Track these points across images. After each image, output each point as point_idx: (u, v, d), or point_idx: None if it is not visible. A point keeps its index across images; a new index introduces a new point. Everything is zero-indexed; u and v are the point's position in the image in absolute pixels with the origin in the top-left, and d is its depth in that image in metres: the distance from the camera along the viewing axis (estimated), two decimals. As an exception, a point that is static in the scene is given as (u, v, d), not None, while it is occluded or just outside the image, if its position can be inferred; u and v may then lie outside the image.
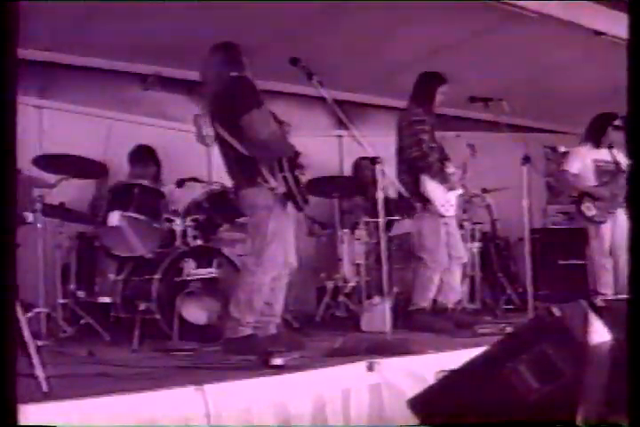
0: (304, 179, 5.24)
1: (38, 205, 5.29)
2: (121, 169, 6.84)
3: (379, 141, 5.34)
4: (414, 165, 6.07)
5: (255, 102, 4.83)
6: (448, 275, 6.20)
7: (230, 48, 5.11)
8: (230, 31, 6.21)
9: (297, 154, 5.07)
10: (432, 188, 6.08)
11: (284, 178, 4.86)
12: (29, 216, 3.47)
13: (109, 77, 7.33)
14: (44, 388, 3.38)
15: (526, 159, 6.13)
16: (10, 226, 2.70)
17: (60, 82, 7.16)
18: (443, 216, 6.14)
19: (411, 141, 6.06)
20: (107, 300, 5.98)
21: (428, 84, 6.23)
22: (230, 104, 4.86)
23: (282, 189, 4.85)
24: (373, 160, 4.97)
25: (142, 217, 5.94)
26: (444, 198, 6.13)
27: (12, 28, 2.70)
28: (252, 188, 4.87)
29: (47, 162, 5.81)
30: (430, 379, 3.69)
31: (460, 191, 6.36)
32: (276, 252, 4.88)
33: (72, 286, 6.06)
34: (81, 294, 6.07)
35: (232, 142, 4.86)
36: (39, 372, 3.43)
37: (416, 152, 6.04)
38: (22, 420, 3.00)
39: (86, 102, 7.28)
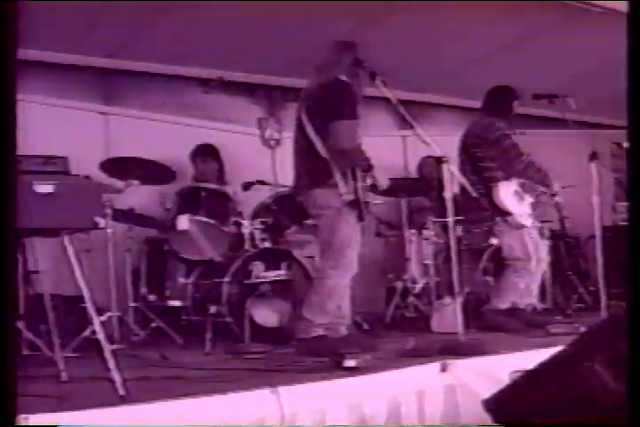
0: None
1: (108, 211, 5.37)
2: (187, 173, 6.90)
3: (443, 141, 5.32)
4: (493, 176, 6.06)
5: (350, 113, 4.86)
6: (529, 278, 6.13)
7: (349, 49, 5.12)
8: (288, 33, 6.27)
9: (370, 167, 5.07)
10: (508, 199, 6.04)
11: (355, 187, 4.88)
12: (101, 221, 3.51)
13: (172, 82, 7.40)
14: (121, 391, 3.43)
15: (594, 156, 6.06)
16: (10, 227, 2.80)
17: (123, 88, 7.25)
18: (523, 226, 6.09)
19: (505, 155, 6.04)
20: (177, 303, 6.04)
21: (505, 98, 6.20)
22: (327, 105, 4.88)
23: (350, 197, 4.86)
24: (440, 159, 4.95)
25: (211, 220, 5.98)
26: (520, 209, 6.09)
27: (11, 27, 2.79)
28: (322, 189, 4.89)
29: (114, 167, 5.89)
30: (505, 379, 3.67)
31: (531, 199, 6.29)
32: (352, 256, 4.91)
33: (143, 290, 6.14)
34: (151, 297, 6.15)
35: (314, 140, 4.89)
36: (115, 375, 3.48)
37: (519, 165, 6.03)
38: (99, 423, 3.05)
39: (150, 107, 7.35)
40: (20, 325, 4.60)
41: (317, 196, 4.95)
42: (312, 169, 4.95)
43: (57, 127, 6.49)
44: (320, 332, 4.88)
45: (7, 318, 2.67)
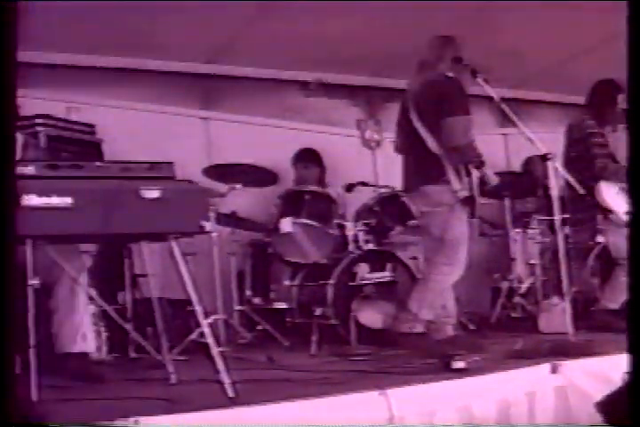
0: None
1: (212, 214, 5.43)
2: (288, 176, 6.94)
3: (545, 138, 5.23)
4: (597, 174, 5.95)
5: (463, 109, 4.87)
6: None
7: (450, 45, 5.11)
8: (384, 34, 6.24)
9: (482, 163, 5.03)
10: (610, 197, 5.92)
11: (469, 183, 4.86)
12: (207, 225, 3.54)
13: (271, 86, 7.45)
14: (230, 393, 3.46)
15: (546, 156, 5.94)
16: (8, 230, 2.74)
17: (223, 92, 7.33)
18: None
19: (587, 154, 5.94)
20: (282, 305, 6.08)
21: (609, 92, 6.07)
22: (438, 102, 4.88)
23: (464, 194, 4.84)
24: (544, 157, 4.88)
25: (314, 223, 6.00)
26: (622, 207, 5.96)
27: (11, 28, 2.71)
28: (435, 185, 4.87)
29: (217, 172, 5.97)
30: (617, 381, 3.58)
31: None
32: (464, 253, 4.91)
33: (248, 293, 6.20)
34: (256, 300, 6.21)
35: (425, 137, 4.88)
36: (224, 378, 3.51)
37: (597, 165, 5.92)
38: (209, 425, 3.08)
39: (250, 111, 7.42)
40: (129, 327, 4.70)
41: (430, 193, 4.93)
42: (423, 166, 4.95)
43: (160, 133, 6.62)
44: (421, 329, 4.87)
45: (7, 318, 2.67)
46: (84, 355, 4.13)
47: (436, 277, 4.95)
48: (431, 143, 4.86)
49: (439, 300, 4.92)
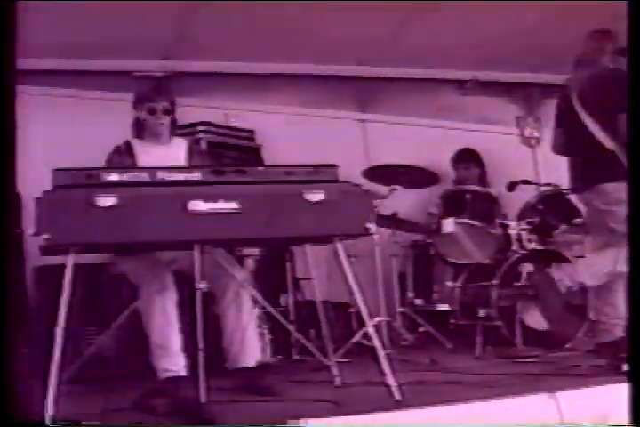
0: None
1: (372, 216, 5.43)
2: (448, 176, 6.90)
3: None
4: None
5: None
6: None
7: (609, 38, 5.00)
8: (538, 30, 6.10)
9: None
10: None
11: None
12: (372, 227, 3.55)
13: (426, 86, 7.40)
14: (397, 396, 3.45)
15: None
16: (7, 228, 2.78)
17: (378, 94, 7.35)
18: None
19: None
20: (445, 307, 6.04)
21: None
22: (609, 96, 4.75)
23: None
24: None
25: (477, 223, 5.95)
26: None
27: (11, 29, 2.79)
28: (614, 183, 4.71)
29: (377, 173, 5.98)
30: None
31: None
32: None
33: (410, 295, 6.20)
34: (419, 301, 6.19)
35: (597, 134, 4.76)
36: (391, 380, 3.51)
37: None
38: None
39: (405, 112, 7.42)
40: (292, 329, 4.75)
41: (609, 190, 4.76)
42: (598, 164, 4.80)
43: (317, 136, 6.69)
44: (619, 333, 4.75)
45: (7, 319, 2.70)
46: (254, 368, 4.20)
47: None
48: (604, 139, 4.72)
49: (619, 300, 4.77)
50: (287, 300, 5.81)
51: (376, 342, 3.65)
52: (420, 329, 5.94)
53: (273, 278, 5.75)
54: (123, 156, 4.41)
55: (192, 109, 5.95)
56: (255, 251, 5.18)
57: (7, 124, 2.75)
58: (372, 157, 6.89)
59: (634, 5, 3.34)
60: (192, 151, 4.63)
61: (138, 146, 4.48)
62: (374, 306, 5.49)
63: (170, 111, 4.53)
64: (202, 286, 3.46)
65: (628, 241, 3.33)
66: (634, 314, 2.81)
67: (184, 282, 4.01)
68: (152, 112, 4.48)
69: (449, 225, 5.89)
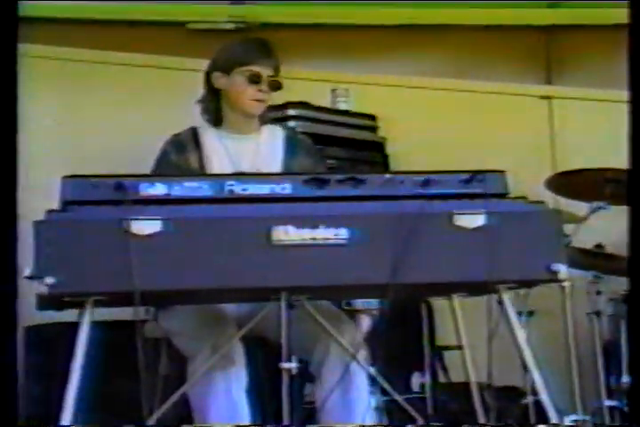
0: None
1: (563, 251, 5.42)
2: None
3: None
4: None
5: None
6: None
7: None
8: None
9: None
10: None
11: None
12: (562, 268, 3.58)
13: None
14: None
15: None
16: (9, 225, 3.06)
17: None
18: None
19: None
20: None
21: None
22: None
23: None
24: None
25: None
26: None
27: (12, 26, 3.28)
28: None
29: (571, 183, 5.95)
30: None
31: None
32: None
33: (624, 379, 6.14)
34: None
35: None
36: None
37: None
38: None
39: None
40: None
41: None
42: None
43: (476, 123, 6.74)
44: None
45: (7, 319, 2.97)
46: None
47: None
48: None
49: None
50: (423, 381, 5.81)
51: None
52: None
53: (400, 347, 5.75)
54: (184, 152, 4.43)
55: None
56: (374, 304, 5.18)
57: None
58: (560, 157, 6.87)
59: (634, 5, 3.74)
60: (293, 147, 4.63)
61: (209, 136, 4.51)
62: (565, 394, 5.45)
63: (278, 84, 4.52)
64: (291, 365, 3.46)
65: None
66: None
67: (258, 350, 4.04)
68: (254, 80, 4.43)
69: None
